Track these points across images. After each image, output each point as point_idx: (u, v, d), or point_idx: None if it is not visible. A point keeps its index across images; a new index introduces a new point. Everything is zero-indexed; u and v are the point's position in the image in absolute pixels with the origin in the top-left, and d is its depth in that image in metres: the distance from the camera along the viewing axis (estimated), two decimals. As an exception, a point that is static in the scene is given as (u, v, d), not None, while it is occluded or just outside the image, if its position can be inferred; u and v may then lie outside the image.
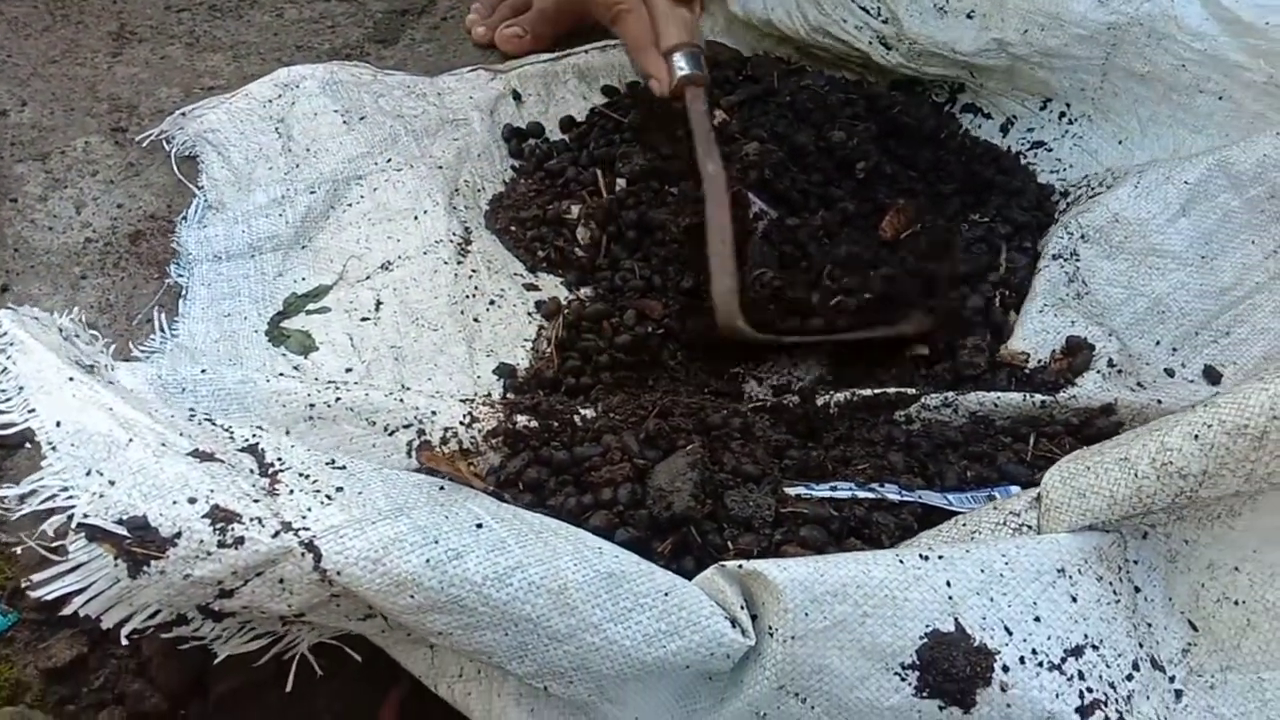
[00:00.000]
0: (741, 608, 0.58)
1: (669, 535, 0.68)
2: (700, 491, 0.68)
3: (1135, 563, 0.64)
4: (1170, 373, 0.87)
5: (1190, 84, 0.97)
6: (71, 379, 0.62)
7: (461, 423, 0.74)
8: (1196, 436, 0.59)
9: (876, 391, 0.83)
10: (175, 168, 1.03)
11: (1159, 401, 0.81)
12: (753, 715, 0.58)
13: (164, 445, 0.58)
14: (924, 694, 0.56)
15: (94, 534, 0.54)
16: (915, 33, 1.08)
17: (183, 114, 1.07)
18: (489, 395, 0.82)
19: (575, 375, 0.86)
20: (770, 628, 0.57)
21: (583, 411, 0.77)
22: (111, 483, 0.55)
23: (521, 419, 0.75)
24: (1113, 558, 0.62)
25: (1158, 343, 0.88)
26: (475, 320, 0.89)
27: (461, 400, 0.76)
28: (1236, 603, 0.62)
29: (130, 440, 0.58)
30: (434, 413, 0.74)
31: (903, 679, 0.56)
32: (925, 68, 1.10)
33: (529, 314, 0.91)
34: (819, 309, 0.89)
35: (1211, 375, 0.86)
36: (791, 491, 0.70)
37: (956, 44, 1.07)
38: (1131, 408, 0.80)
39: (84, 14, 1.26)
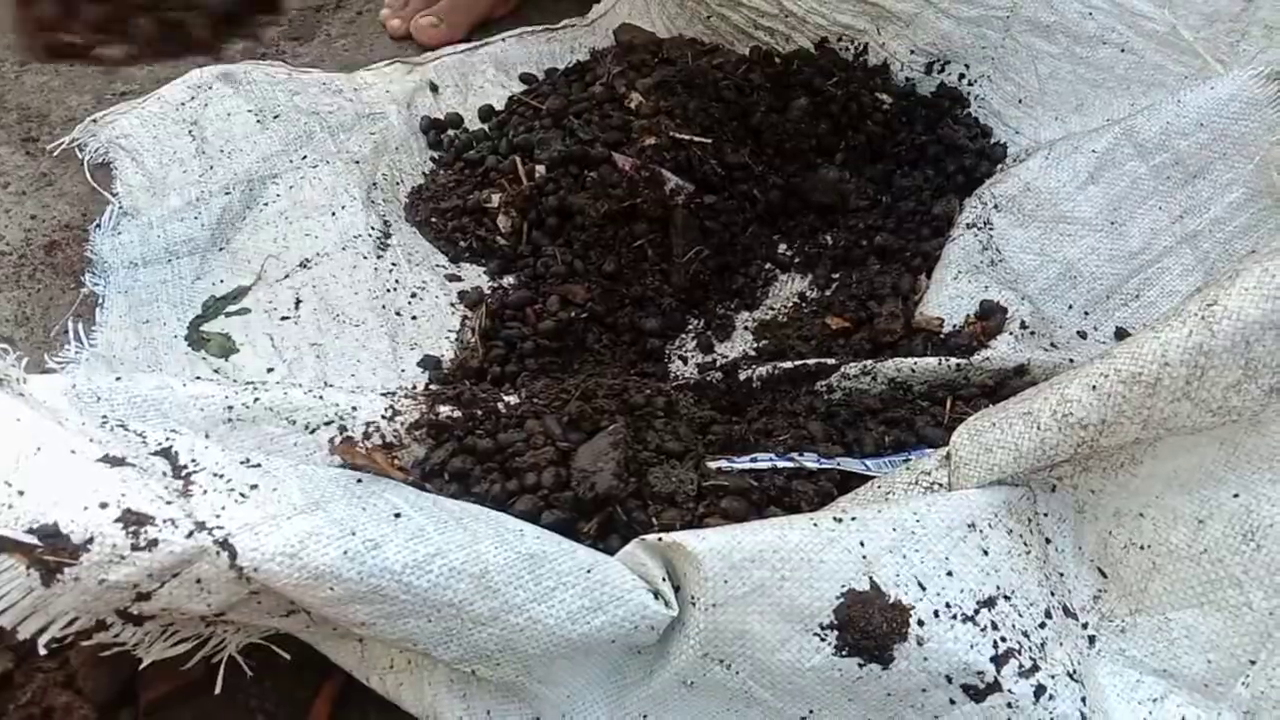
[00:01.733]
0: (664, 579, 0.59)
1: (594, 515, 0.68)
2: (623, 470, 0.69)
3: (1045, 515, 0.66)
4: (1083, 335, 0.89)
5: (1095, 34, 0.99)
6: (-24, 392, 0.61)
7: (384, 416, 0.74)
8: (1094, 387, 0.61)
9: (798, 363, 0.84)
10: (89, 176, 1.01)
11: (1071, 361, 0.82)
12: (680, 685, 0.59)
13: (73, 452, 0.58)
14: (843, 653, 0.57)
15: (4, 544, 0.53)
16: None
17: (94, 121, 1.05)
18: (413, 388, 0.81)
19: (501, 363, 0.87)
20: (692, 597, 0.58)
21: (506, 398, 0.77)
22: (20, 492, 0.55)
23: (444, 409, 0.75)
24: (1022, 511, 0.64)
25: (1070, 307, 0.90)
26: (397, 314, 0.88)
27: (383, 394, 0.76)
28: (1142, 547, 0.64)
29: (39, 449, 0.57)
30: (355, 408, 0.73)
31: (822, 639, 0.57)
32: (835, 15, 1.08)
33: (452, 305, 0.91)
34: None
35: (1122, 337, 0.88)
36: (713, 465, 0.71)
37: None
38: (1044, 368, 0.82)
39: (-13, 23, 1.23)
